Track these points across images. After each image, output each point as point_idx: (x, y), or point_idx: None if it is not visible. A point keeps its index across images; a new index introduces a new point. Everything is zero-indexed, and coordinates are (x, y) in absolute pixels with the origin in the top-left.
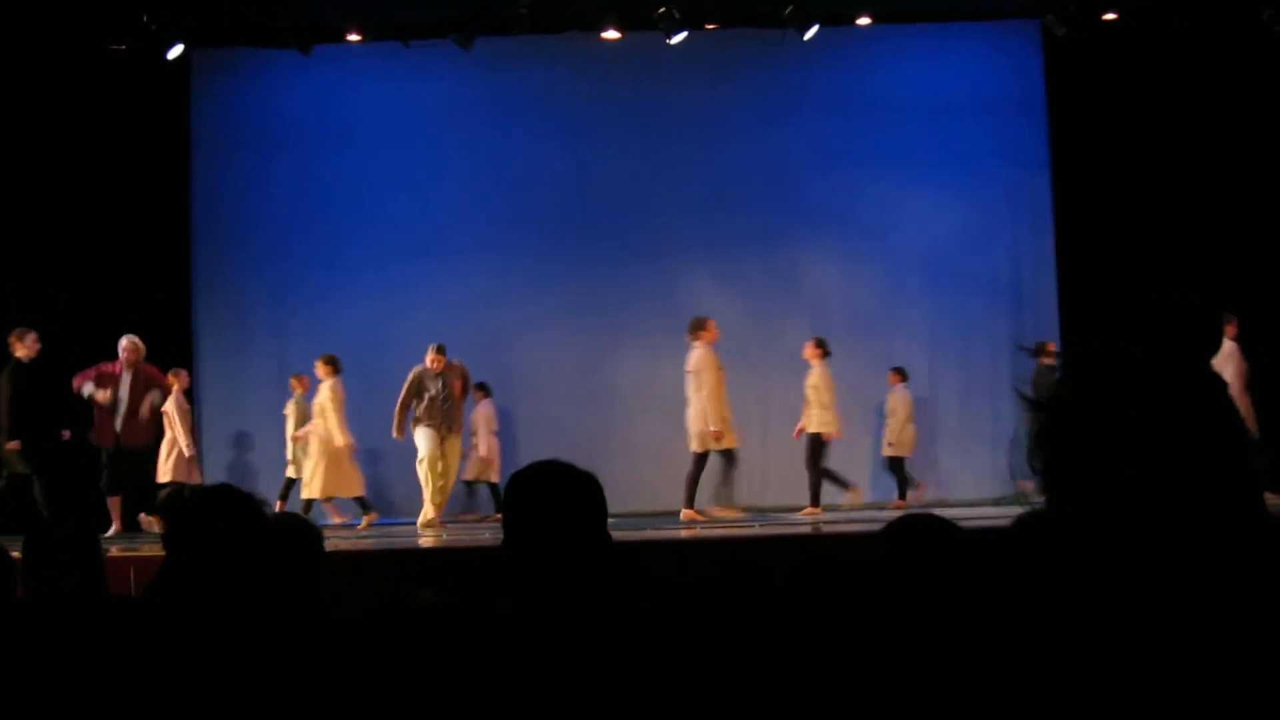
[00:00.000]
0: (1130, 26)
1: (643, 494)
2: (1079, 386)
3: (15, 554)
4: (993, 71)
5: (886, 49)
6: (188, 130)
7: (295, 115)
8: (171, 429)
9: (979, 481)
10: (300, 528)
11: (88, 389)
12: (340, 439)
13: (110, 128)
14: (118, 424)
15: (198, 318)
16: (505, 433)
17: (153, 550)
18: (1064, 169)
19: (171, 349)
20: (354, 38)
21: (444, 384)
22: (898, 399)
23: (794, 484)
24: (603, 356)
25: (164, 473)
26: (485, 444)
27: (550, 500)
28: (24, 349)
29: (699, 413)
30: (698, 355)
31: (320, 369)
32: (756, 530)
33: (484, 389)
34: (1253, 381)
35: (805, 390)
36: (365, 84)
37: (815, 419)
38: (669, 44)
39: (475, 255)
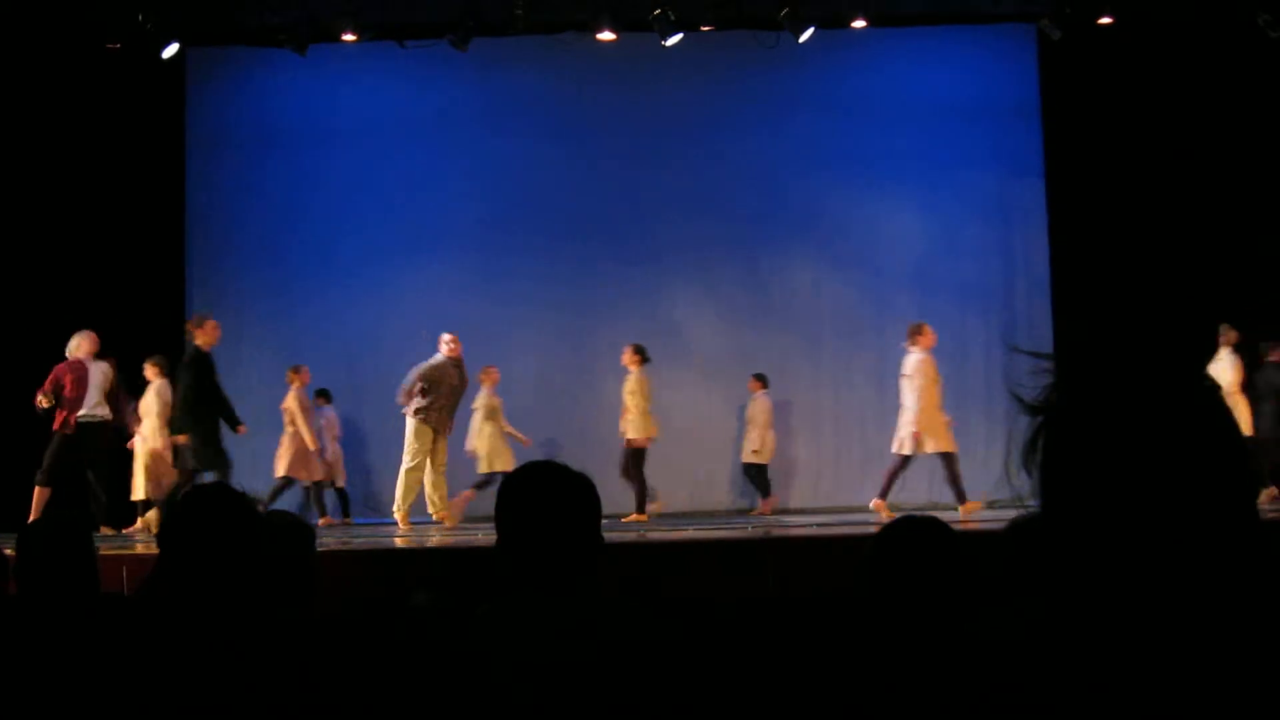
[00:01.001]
0: (1126, 30)
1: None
2: (1072, 390)
3: (9, 551)
4: (988, 75)
5: (881, 52)
6: (183, 129)
7: (290, 115)
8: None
9: (973, 485)
10: (293, 526)
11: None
12: (311, 444)
13: (105, 126)
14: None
15: (192, 312)
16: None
17: (146, 549)
18: (1058, 173)
19: (165, 346)
20: (349, 38)
21: (460, 376)
22: (758, 406)
23: (788, 487)
24: (595, 356)
25: (280, 468)
26: (331, 449)
27: (545, 501)
28: (204, 336)
29: (912, 415)
30: (915, 360)
31: (289, 376)
32: (748, 533)
33: (325, 395)
34: (1248, 387)
35: (624, 396)
36: (360, 84)
37: (632, 425)
38: (664, 46)
39: (468, 254)
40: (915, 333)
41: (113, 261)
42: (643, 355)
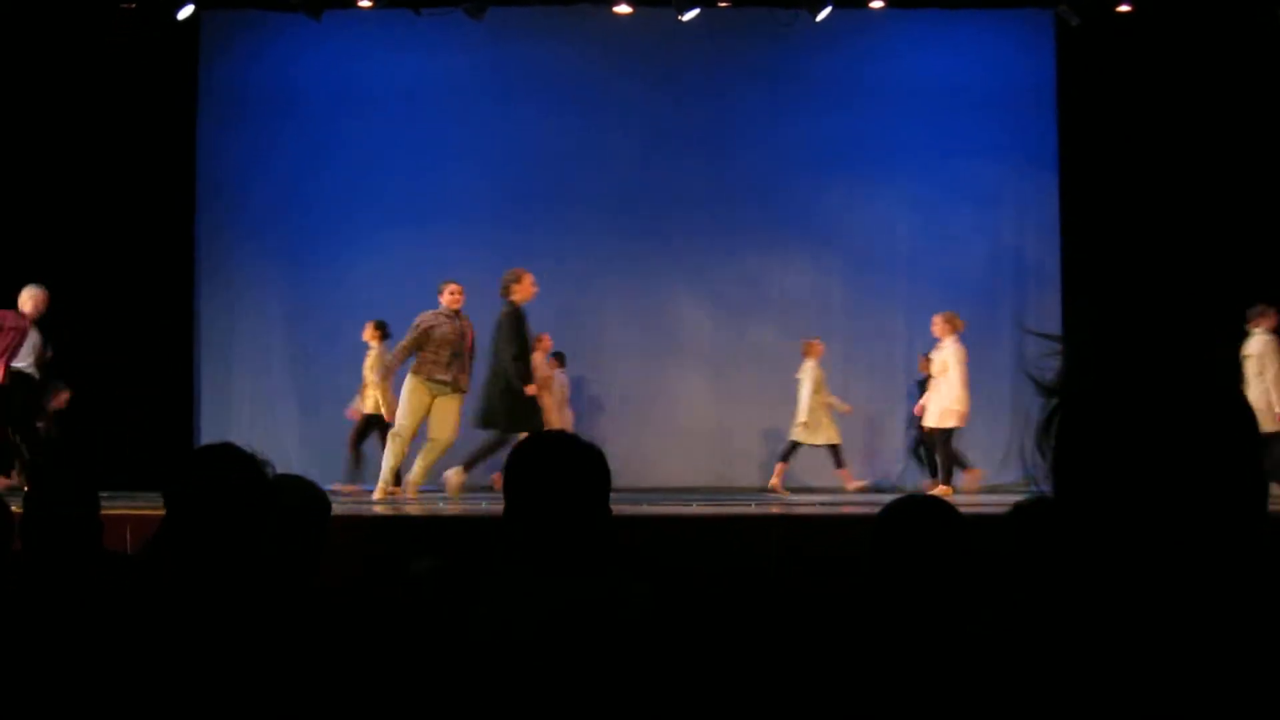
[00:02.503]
0: (1144, 18)
1: (645, 468)
2: (1085, 374)
3: (16, 509)
4: (1004, 62)
5: (897, 35)
6: (195, 92)
7: (304, 81)
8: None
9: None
10: (305, 490)
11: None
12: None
13: (118, 86)
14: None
15: (200, 280)
16: None
17: (151, 508)
18: (1073, 161)
19: (173, 311)
20: (365, 4)
21: (461, 330)
22: (555, 383)
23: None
24: (605, 330)
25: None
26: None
27: (555, 472)
28: (520, 292)
29: (1260, 395)
30: (1259, 341)
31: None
32: (751, 509)
33: None
34: None
35: (364, 372)
36: (374, 51)
37: (371, 401)
38: (681, 20)
39: (479, 224)
40: (1260, 315)
41: (120, 223)
42: (384, 331)
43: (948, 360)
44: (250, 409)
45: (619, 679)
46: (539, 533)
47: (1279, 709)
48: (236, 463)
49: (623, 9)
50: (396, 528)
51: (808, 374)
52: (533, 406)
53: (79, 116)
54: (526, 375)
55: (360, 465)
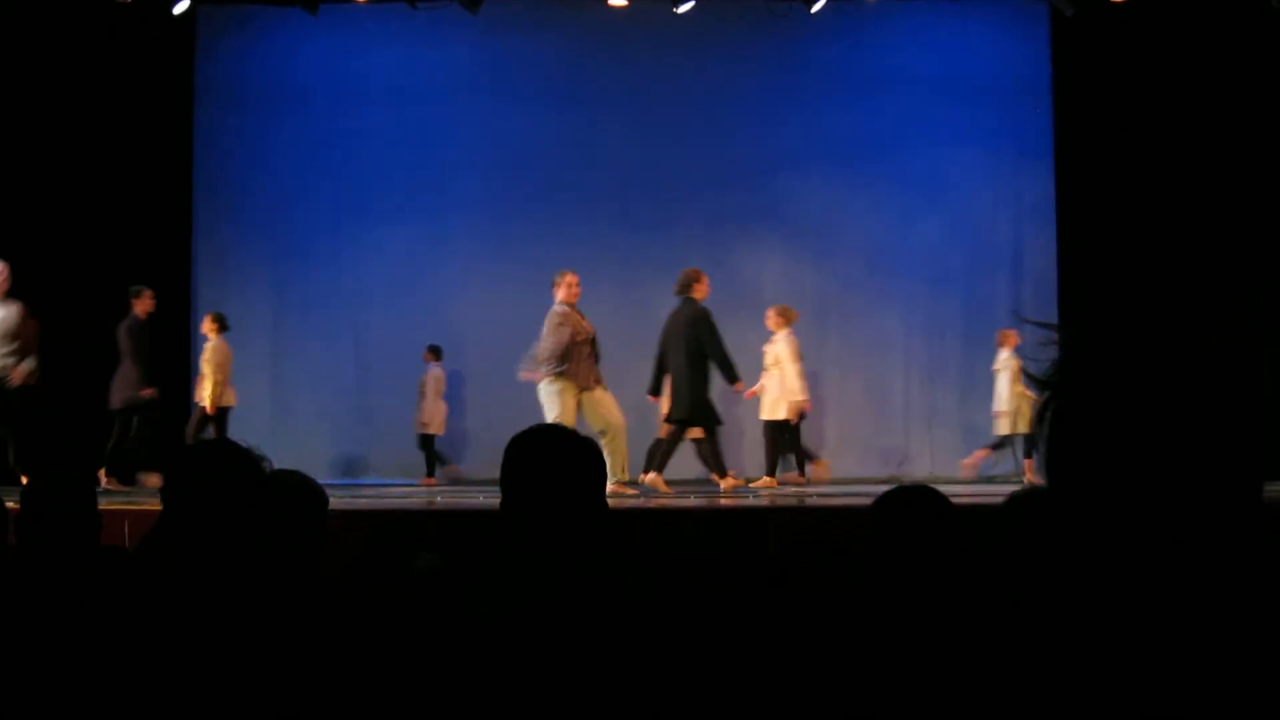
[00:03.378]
0: (1139, 8)
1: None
2: (1079, 364)
3: (11, 504)
4: (999, 53)
5: (892, 25)
6: (192, 86)
7: (300, 75)
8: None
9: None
10: (303, 486)
11: None
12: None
13: (114, 81)
14: None
15: (197, 274)
16: (506, 398)
17: (149, 503)
18: (1068, 152)
19: (170, 304)
20: None
21: (586, 325)
22: (430, 377)
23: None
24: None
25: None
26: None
27: (549, 464)
28: (701, 290)
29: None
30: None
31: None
32: (749, 501)
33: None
34: None
35: (201, 364)
36: (371, 46)
37: (208, 393)
38: (676, 13)
39: (477, 218)
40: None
41: (117, 218)
42: (222, 324)
43: (780, 353)
44: (245, 402)
45: (618, 663)
46: (536, 522)
47: (1274, 697)
48: (232, 459)
49: (618, 1)
50: (397, 522)
51: (1005, 364)
52: (711, 403)
53: (76, 111)
54: (733, 370)
55: None
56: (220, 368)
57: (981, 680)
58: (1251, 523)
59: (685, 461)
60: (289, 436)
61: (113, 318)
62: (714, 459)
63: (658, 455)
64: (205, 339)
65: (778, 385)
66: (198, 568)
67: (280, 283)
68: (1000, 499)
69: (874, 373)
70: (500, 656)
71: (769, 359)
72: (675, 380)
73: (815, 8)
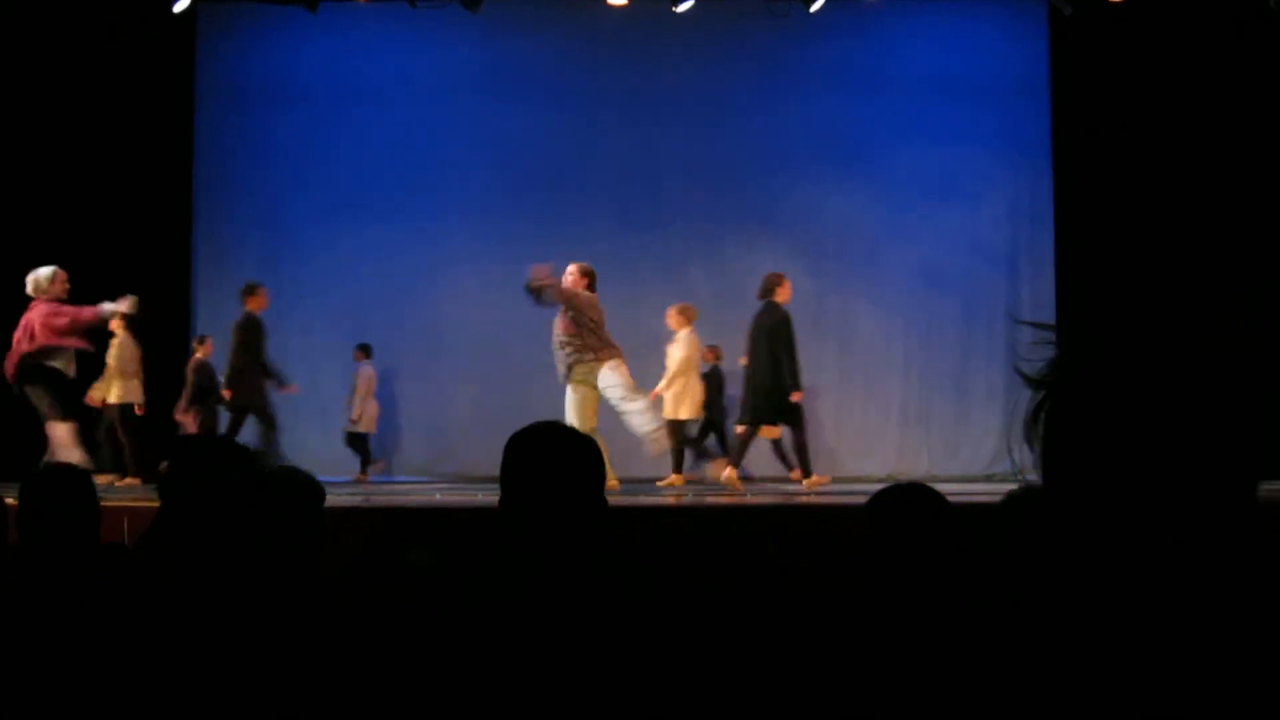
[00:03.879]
0: (1138, 7)
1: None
2: (1074, 363)
3: (10, 500)
4: (997, 51)
5: (891, 25)
6: (192, 85)
7: (300, 74)
8: None
9: (971, 458)
10: (301, 482)
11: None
12: None
13: (115, 80)
14: None
15: (197, 273)
16: (510, 394)
17: (149, 500)
18: (1067, 151)
19: (171, 304)
20: None
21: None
22: (361, 376)
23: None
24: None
25: None
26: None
27: (548, 462)
28: (783, 294)
29: None
30: None
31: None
32: (749, 500)
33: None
34: None
35: (108, 359)
36: (371, 45)
37: (115, 390)
38: (675, 12)
39: (475, 215)
40: None
41: (118, 217)
42: (129, 321)
43: (681, 352)
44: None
45: (616, 660)
46: (535, 519)
47: (1270, 694)
48: (230, 456)
49: (617, 1)
50: (395, 518)
51: None
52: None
53: (77, 109)
54: (798, 378)
55: (107, 456)
56: (134, 362)
57: (979, 679)
58: (1247, 521)
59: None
60: (290, 434)
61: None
62: (799, 456)
63: (735, 451)
64: (113, 334)
65: (681, 384)
66: (196, 564)
67: (280, 281)
68: (997, 497)
69: (871, 372)
70: (499, 653)
71: (669, 358)
72: (756, 380)
73: (814, 7)
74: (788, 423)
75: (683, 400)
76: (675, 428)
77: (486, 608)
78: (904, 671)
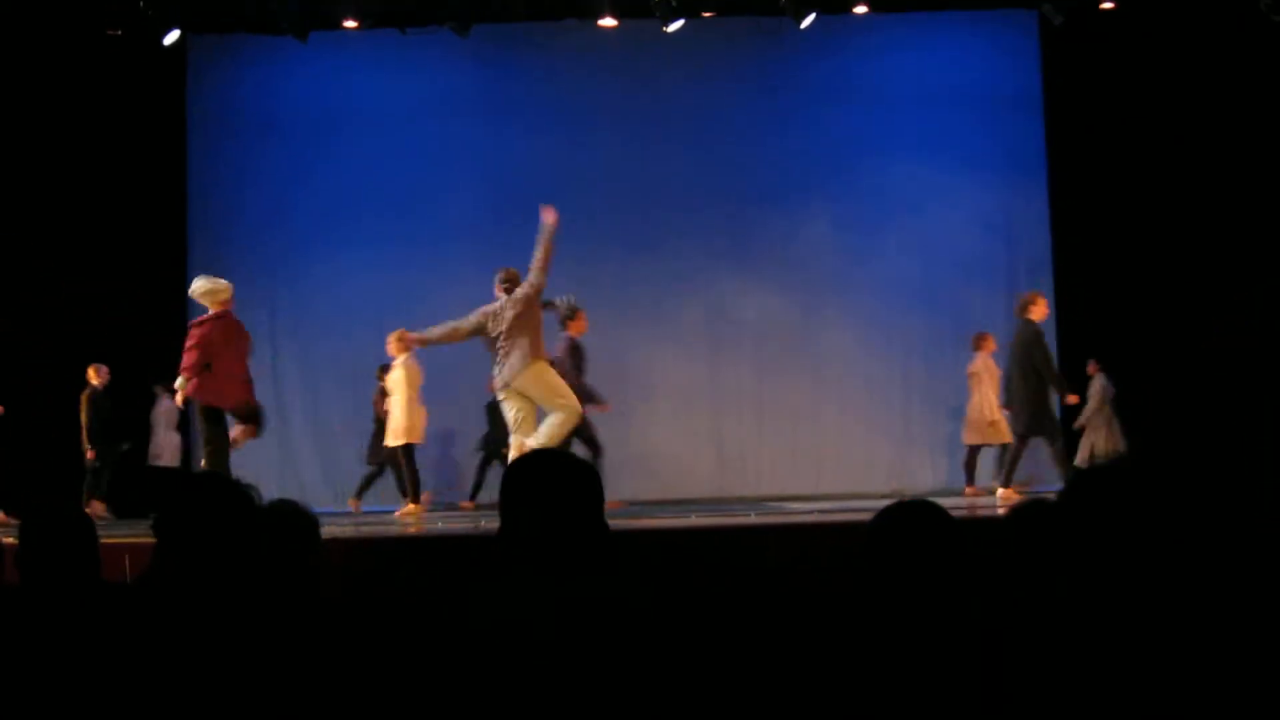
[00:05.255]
0: (1128, 16)
1: (648, 483)
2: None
3: (9, 540)
4: (989, 61)
5: (883, 38)
6: (184, 116)
7: (292, 102)
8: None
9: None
10: (296, 514)
11: None
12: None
13: (106, 113)
14: None
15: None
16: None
17: (149, 537)
18: (1060, 159)
19: (165, 332)
20: (351, 24)
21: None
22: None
23: (793, 474)
24: (597, 345)
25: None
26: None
27: (547, 488)
28: (1038, 311)
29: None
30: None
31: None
32: (751, 519)
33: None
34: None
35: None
36: (362, 71)
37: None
38: (666, 32)
39: (467, 242)
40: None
41: (114, 249)
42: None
43: (399, 378)
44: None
45: (620, 682)
46: (535, 544)
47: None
48: (222, 491)
49: (607, 22)
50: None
51: (983, 368)
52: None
53: (71, 141)
54: (1064, 385)
55: None
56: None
57: (987, 691)
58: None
59: (686, 480)
60: (288, 460)
61: (112, 342)
62: (1010, 468)
63: (1005, 468)
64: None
65: (397, 410)
66: (191, 598)
67: (275, 307)
68: (1000, 511)
69: (872, 388)
70: (501, 678)
71: (390, 383)
72: (1016, 396)
73: (805, 23)
74: (1045, 435)
75: (404, 425)
76: (403, 454)
77: (488, 633)
78: (910, 686)
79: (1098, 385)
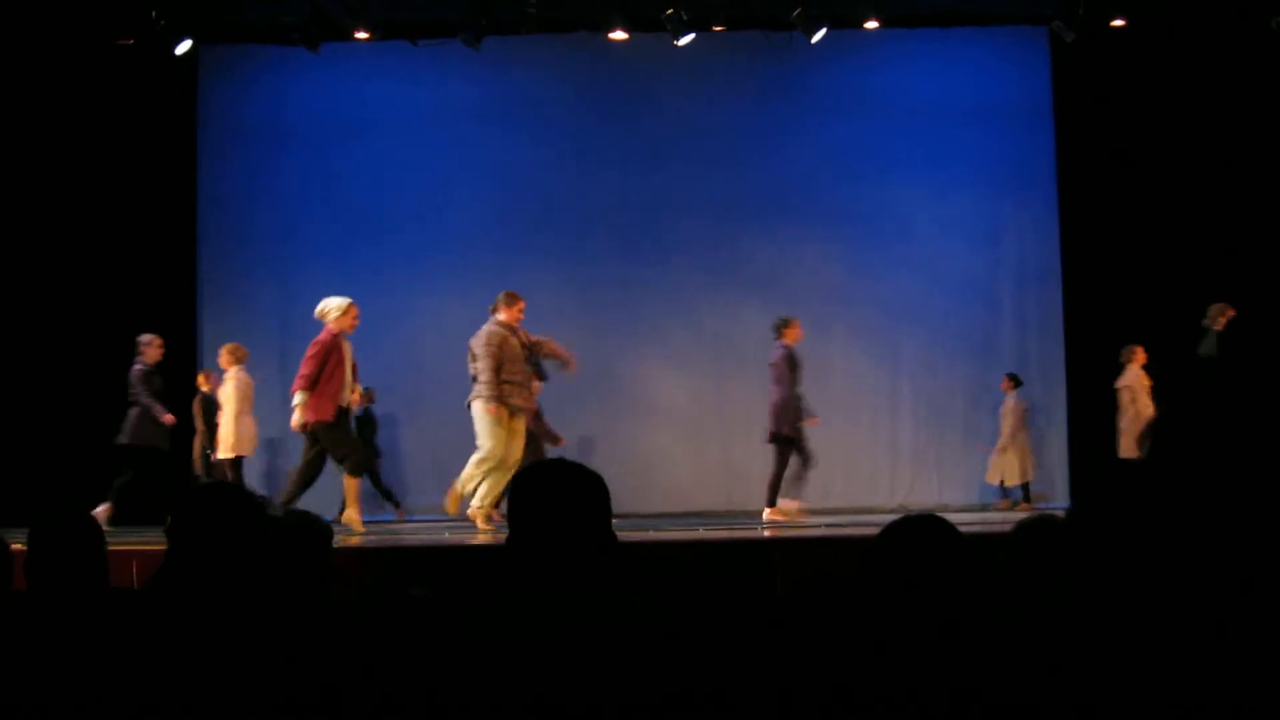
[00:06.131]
0: (1139, 33)
1: (647, 495)
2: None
3: (17, 545)
4: (999, 77)
5: (893, 53)
6: (194, 126)
7: (302, 113)
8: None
9: (984, 485)
10: (308, 525)
11: None
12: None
13: (117, 123)
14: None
15: (203, 313)
16: None
17: (158, 543)
18: (1070, 176)
19: (176, 345)
20: (362, 36)
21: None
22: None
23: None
24: (606, 357)
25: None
26: None
27: (556, 498)
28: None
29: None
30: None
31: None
32: (758, 533)
33: None
34: None
35: None
36: (373, 82)
37: None
38: (676, 45)
39: (480, 253)
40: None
41: (123, 259)
42: None
43: (229, 392)
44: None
45: (625, 696)
46: (544, 556)
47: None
48: (234, 500)
49: (618, 35)
50: (401, 557)
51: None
52: None
53: (81, 150)
54: None
55: None
56: None
57: (993, 708)
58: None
59: (692, 494)
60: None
61: (120, 356)
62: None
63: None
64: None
65: (228, 423)
66: (204, 608)
67: (285, 317)
68: (1008, 526)
69: (879, 404)
70: (510, 690)
71: (222, 396)
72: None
73: (816, 37)
74: None
75: (232, 439)
76: (229, 467)
77: (496, 644)
78: (918, 701)
79: (1010, 404)
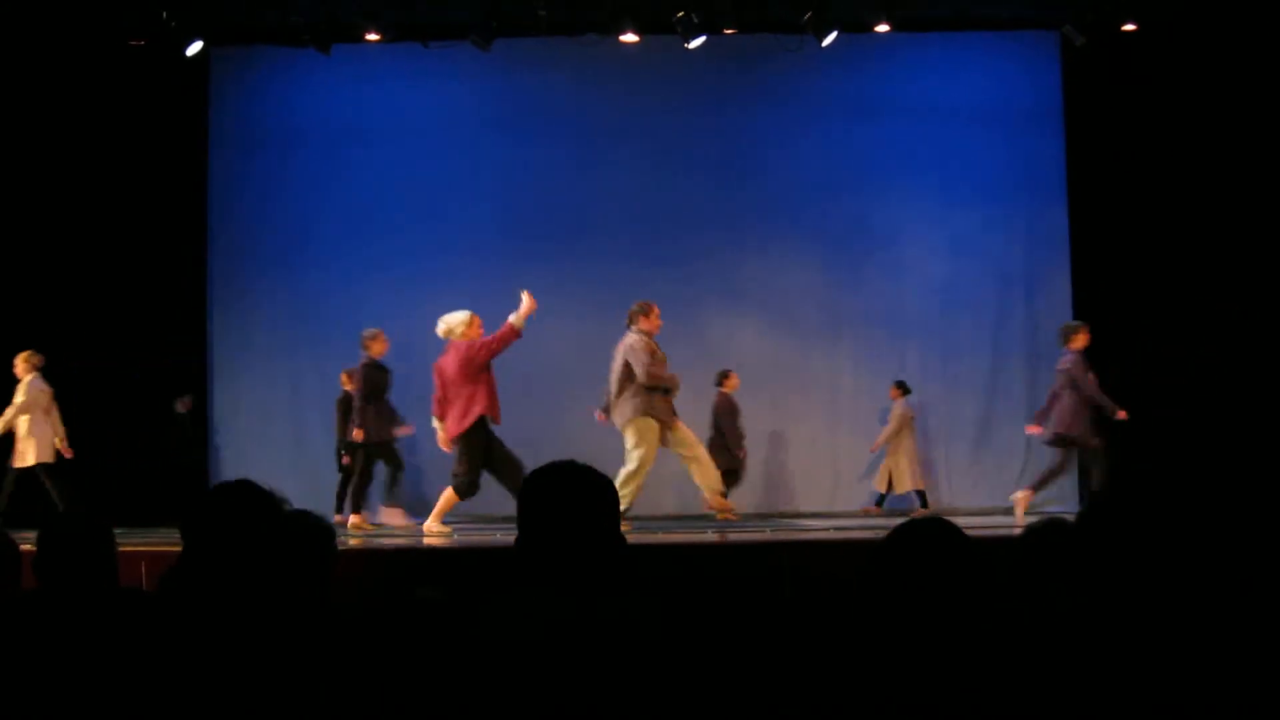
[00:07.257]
0: (1150, 37)
1: (655, 498)
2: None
3: (26, 546)
4: (1010, 82)
5: (904, 57)
6: (205, 128)
7: (313, 114)
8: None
9: (992, 490)
10: (314, 525)
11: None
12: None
13: (128, 124)
14: None
15: (213, 315)
16: (517, 434)
17: (166, 544)
18: (1080, 180)
19: (186, 346)
20: (373, 37)
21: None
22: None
23: (808, 491)
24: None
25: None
26: None
27: (564, 500)
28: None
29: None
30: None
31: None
32: (766, 535)
33: None
34: None
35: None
36: (384, 84)
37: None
38: (687, 48)
39: (490, 255)
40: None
41: (133, 260)
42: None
43: (26, 400)
44: (266, 439)
45: (631, 697)
46: (552, 557)
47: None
48: (253, 498)
49: (629, 38)
50: (411, 558)
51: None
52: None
53: (92, 151)
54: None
55: None
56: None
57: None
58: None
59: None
60: (309, 473)
61: (134, 355)
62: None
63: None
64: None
65: (25, 429)
66: (216, 605)
67: (297, 320)
68: (1016, 530)
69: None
70: (517, 690)
71: (16, 399)
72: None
73: (827, 40)
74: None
75: (28, 446)
76: (42, 473)
77: (504, 645)
78: (926, 703)
79: (896, 411)
